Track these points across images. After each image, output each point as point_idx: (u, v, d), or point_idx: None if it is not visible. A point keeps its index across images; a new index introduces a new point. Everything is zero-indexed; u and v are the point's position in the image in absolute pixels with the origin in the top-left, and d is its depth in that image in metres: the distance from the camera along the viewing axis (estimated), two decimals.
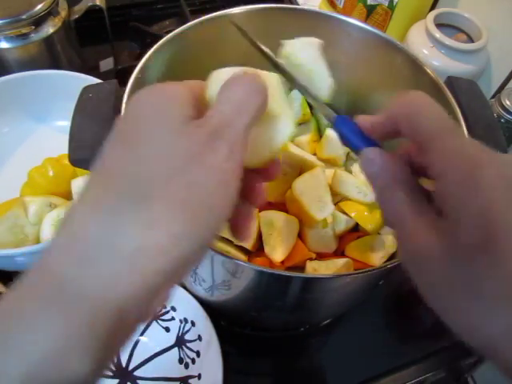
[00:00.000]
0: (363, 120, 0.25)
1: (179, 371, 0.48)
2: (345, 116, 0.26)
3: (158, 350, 0.49)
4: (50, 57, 0.67)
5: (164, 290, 0.19)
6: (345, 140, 0.26)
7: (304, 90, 0.29)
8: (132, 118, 0.21)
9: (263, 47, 0.31)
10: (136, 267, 0.18)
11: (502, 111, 0.59)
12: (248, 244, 0.47)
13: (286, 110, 0.24)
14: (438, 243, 0.20)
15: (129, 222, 0.18)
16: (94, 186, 0.20)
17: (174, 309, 0.49)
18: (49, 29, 0.64)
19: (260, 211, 0.49)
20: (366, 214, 0.49)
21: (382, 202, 0.23)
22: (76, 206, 0.19)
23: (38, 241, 0.52)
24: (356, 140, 0.25)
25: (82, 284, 0.17)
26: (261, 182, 0.26)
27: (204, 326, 0.46)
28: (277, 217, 0.48)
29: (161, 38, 0.43)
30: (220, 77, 0.23)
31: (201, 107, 0.22)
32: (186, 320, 0.48)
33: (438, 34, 0.64)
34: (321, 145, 0.56)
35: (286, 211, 0.49)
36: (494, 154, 0.20)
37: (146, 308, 0.19)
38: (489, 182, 0.19)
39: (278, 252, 0.47)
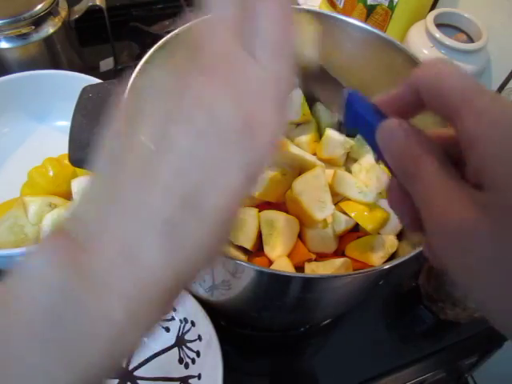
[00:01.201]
0: (379, 98, 0.22)
1: (179, 371, 0.48)
2: (356, 91, 0.23)
3: (157, 349, 0.49)
4: (50, 57, 0.67)
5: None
6: (356, 118, 0.22)
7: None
8: None
9: None
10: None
11: None
12: (248, 244, 0.47)
13: None
14: (479, 219, 0.17)
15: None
16: None
17: (174, 309, 0.49)
18: (49, 29, 0.64)
19: (260, 211, 0.49)
20: (365, 213, 0.49)
21: (408, 176, 0.20)
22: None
23: (38, 241, 0.52)
24: (371, 116, 0.21)
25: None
26: None
27: (204, 326, 0.46)
28: (277, 217, 0.48)
29: (161, 37, 0.43)
30: None
31: None
32: (185, 320, 0.48)
33: (438, 34, 0.64)
34: (321, 145, 0.55)
35: (286, 211, 0.49)
36: None
37: None
38: None
39: (277, 252, 0.47)
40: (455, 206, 0.18)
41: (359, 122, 0.22)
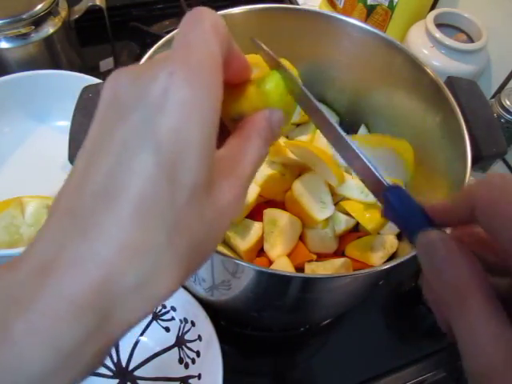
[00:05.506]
0: (429, 206, 0.20)
1: (179, 371, 0.48)
2: (399, 186, 0.21)
3: (158, 349, 0.49)
4: (50, 57, 0.67)
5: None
6: (394, 215, 0.21)
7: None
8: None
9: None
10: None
11: (502, 111, 0.59)
12: (243, 246, 0.47)
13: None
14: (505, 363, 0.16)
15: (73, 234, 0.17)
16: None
17: (173, 309, 0.49)
18: (49, 29, 0.64)
19: (264, 209, 0.49)
20: (366, 213, 0.49)
21: (447, 304, 0.17)
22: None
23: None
24: (411, 218, 0.20)
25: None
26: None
27: (204, 326, 0.46)
28: (281, 216, 0.48)
29: (161, 38, 0.43)
30: None
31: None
32: (185, 320, 0.48)
33: (437, 34, 0.64)
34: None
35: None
36: None
37: None
38: None
39: (276, 250, 0.47)
40: (488, 349, 0.16)
41: (399, 219, 0.21)
